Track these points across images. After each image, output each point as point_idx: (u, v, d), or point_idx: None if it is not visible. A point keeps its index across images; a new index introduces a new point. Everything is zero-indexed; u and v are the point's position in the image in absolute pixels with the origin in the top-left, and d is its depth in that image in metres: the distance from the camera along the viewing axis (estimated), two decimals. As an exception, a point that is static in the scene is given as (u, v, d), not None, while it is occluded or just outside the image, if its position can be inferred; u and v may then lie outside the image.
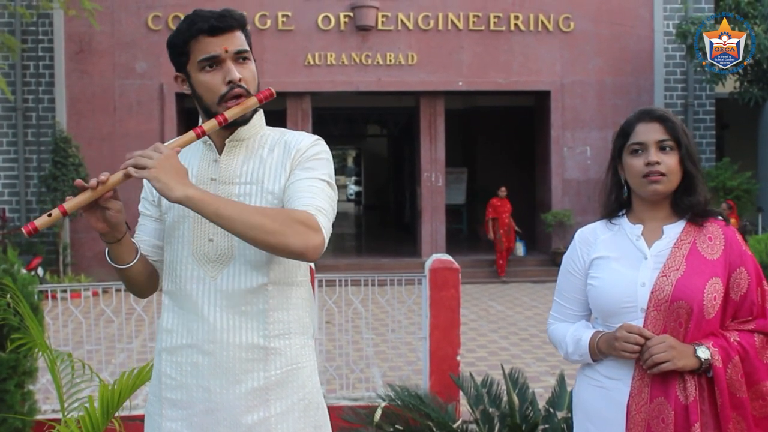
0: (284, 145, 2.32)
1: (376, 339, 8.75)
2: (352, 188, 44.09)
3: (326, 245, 2.16)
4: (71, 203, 2.07)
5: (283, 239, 2.05)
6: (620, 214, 2.61)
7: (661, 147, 2.46)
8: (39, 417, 4.98)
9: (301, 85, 15.98)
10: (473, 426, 4.50)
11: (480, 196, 21.02)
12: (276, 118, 16.72)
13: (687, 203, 2.48)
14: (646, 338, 2.37)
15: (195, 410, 2.27)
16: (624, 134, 2.55)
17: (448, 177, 18.56)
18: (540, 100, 17.29)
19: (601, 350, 2.49)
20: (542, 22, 16.33)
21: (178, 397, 2.29)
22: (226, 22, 2.23)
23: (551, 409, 4.41)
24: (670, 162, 2.45)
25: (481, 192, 20.97)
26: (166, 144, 2.16)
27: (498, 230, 16.07)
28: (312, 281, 5.69)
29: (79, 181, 2.10)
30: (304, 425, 2.31)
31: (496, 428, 4.33)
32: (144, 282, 2.39)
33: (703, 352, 2.35)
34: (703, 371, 2.36)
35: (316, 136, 2.37)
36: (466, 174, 21.44)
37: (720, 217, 2.52)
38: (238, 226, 2.04)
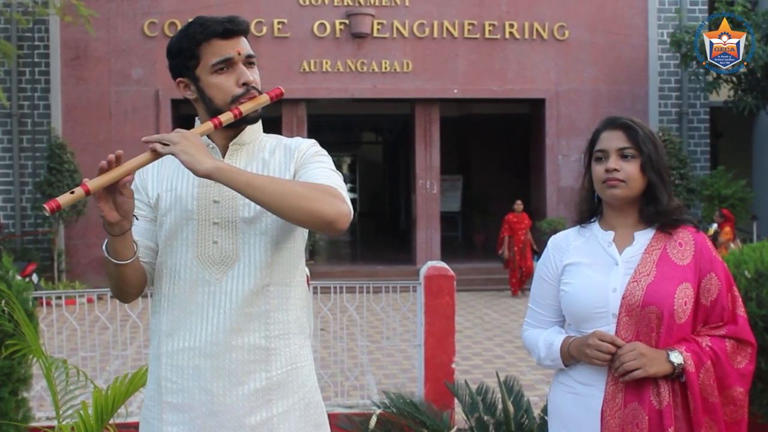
0: (284, 148, 2.37)
1: (371, 346, 8.74)
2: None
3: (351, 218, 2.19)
4: (95, 182, 2.05)
5: (317, 205, 2.08)
6: (592, 220, 2.64)
7: (623, 155, 2.49)
8: (33, 424, 4.97)
9: (297, 92, 15.98)
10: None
11: (475, 204, 21.06)
12: (271, 124, 16.71)
13: (649, 211, 2.51)
14: (618, 346, 2.39)
15: (197, 413, 2.27)
16: (592, 142, 2.61)
17: (443, 184, 18.58)
18: (535, 108, 17.32)
19: (572, 355, 2.52)
20: (537, 30, 16.38)
21: (180, 401, 2.29)
22: (238, 26, 2.28)
23: (546, 417, 4.41)
24: (629, 169, 2.48)
25: (476, 199, 21.01)
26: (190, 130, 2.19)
27: (512, 248, 15.09)
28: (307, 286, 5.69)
29: (103, 164, 2.08)
30: (305, 424, 2.33)
31: (491, 436, 4.34)
32: (136, 282, 2.35)
33: (676, 357, 2.37)
34: (676, 376, 2.39)
35: (313, 140, 2.42)
36: (461, 181, 21.47)
37: (690, 223, 2.54)
38: (269, 195, 2.06)
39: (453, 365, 5.75)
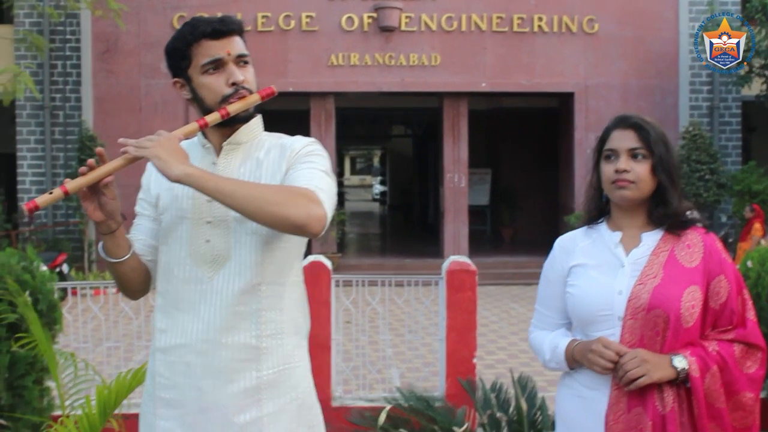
0: (280, 147, 2.36)
1: (396, 340, 8.75)
2: (378, 188, 44.08)
3: (329, 221, 2.18)
4: (73, 183, 2.12)
5: (285, 209, 2.07)
6: (600, 221, 2.59)
7: (633, 155, 2.45)
8: (59, 413, 5.03)
9: (325, 86, 16.02)
10: (480, 430, 4.50)
11: (504, 198, 20.98)
12: (300, 118, 16.77)
13: (659, 213, 2.46)
14: (621, 355, 2.35)
15: (188, 409, 2.29)
16: (602, 140, 2.55)
17: (472, 178, 18.51)
18: (564, 102, 17.22)
19: (576, 359, 2.48)
20: (566, 23, 16.26)
21: (171, 397, 2.32)
22: (228, 26, 2.30)
23: (559, 416, 4.41)
24: (640, 170, 2.43)
25: (505, 193, 20.93)
26: (172, 132, 2.22)
27: None
28: (328, 281, 5.71)
29: (83, 169, 2.15)
30: (297, 425, 2.33)
31: (503, 433, 4.34)
32: (136, 280, 2.42)
33: (680, 362, 2.32)
34: (681, 381, 2.33)
35: (312, 138, 2.41)
36: (490, 175, 21.39)
37: (699, 224, 2.49)
38: (239, 200, 2.07)
39: (474, 360, 5.74)
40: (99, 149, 2.17)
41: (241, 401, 2.27)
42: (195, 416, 2.29)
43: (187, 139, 2.28)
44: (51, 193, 2.09)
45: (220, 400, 2.27)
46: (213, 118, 2.26)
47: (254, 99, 2.31)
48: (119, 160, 2.15)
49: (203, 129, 2.29)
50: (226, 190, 2.07)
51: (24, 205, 2.07)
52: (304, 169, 2.27)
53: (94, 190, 2.20)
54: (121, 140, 2.16)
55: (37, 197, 2.09)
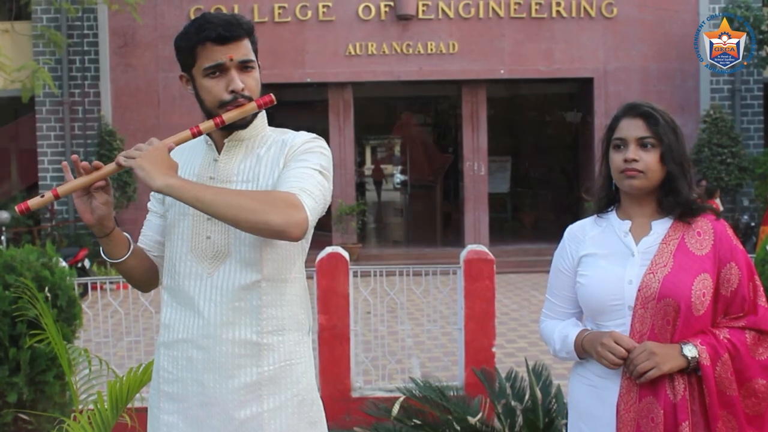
0: (281, 143, 2.37)
1: (416, 330, 8.75)
2: (399, 177, 44.04)
3: (311, 225, 2.19)
4: (64, 187, 2.17)
5: (263, 216, 2.09)
6: (609, 209, 2.58)
7: (642, 144, 2.43)
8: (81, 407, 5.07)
9: (343, 76, 16.00)
10: (495, 420, 4.49)
11: (524, 184, 20.90)
12: (318, 109, 16.76)
13: (669, 202, 2.44)
14: (630, 351, 2.34)
15: (190, 403, 2.33)
16: (611, 128, 2.54)
17: (492, 165, 18.44)
18: (583, 88, 17.10)
19: (585, 350, 2.47)
20: (584, 8, 16.11)
21: (175, 391, 2.36)
22: (233, 32, 2.29)
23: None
24: (648, 159, 2.42)
25: (526, 180, 20.84)
26: (163, 141, 2.24)
27: None
28: (346, 273, 5.72)
29: (66, 164, 2.22)
30: (298, 421, 2.35)
31: (518, 422, 4.32)
32: (140, 276, 2.47)
33: (690, 351, 2.31)
34: (692, 370, 2.32)
35: (314, 135, 2.41)
36: (510, 162, 21.29)
37: (710, 212, 2.47)
38: (219, 208, 2.09)
39: (493, 349, 5.73)
40: (75, 158, 2.20)
41: (242, 396, 2.29)
42: (197, 410, 2.32)
43: (178, 145, 2.29)
44: (42, 196, 2.15)
45: (221, 395, 2.30)
46: (207, 126, 2.28)
47: (251, 108, 2.31)
48: (110, 166, 2.21)
49: (196, 137, 2.30)
50: (205, 200, 2.09)
51: (16, 207, 2.14)
52: (297, 168, 2.28)
53: (86, 193, 2.25)
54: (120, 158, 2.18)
55: (29, 200, 2.16)
